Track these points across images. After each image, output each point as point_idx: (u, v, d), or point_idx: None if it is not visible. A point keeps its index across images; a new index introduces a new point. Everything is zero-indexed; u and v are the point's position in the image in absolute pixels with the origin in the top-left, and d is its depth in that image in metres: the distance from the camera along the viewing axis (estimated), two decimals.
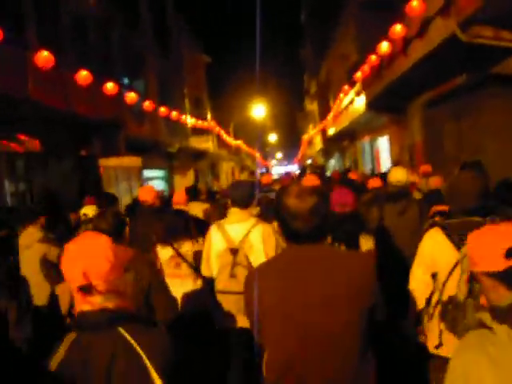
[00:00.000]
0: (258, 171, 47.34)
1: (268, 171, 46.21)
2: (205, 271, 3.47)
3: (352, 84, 13.40)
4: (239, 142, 28.97)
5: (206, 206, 6.13)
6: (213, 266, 3.39)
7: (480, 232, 1.44)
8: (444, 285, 2.36)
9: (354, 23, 13.85)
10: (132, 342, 1.46)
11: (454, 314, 2.01)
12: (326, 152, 29.62)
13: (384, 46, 8.33)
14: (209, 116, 20.17)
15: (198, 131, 17.96)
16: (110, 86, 8.08)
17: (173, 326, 2.64)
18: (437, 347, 2.42)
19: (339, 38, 17.74)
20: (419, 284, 2.57)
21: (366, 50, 10.33)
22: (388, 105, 11.17)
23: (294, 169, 46.09)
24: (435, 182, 5.48)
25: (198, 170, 23.02)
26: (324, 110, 22.75)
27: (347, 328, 1.73)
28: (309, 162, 41.64)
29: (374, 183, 6.12)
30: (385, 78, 9.72)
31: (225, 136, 22.36)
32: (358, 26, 13.36)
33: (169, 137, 15.56)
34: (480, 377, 1.22)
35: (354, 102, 14.21)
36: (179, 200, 5.36)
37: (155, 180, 16.81)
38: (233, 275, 3.25)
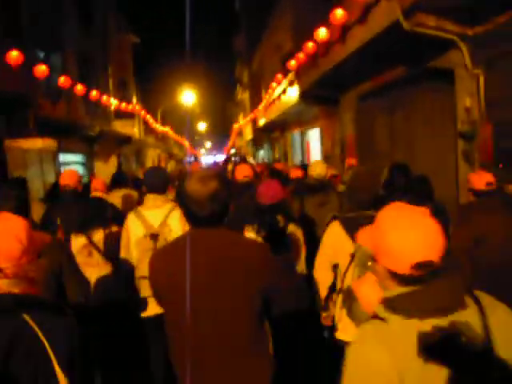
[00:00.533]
0: (187, 159, 46.41)
1: (197, 160, 45.39)
2: (123, 259, 3.46)
3: (285, 73, 13.01)
4: (167, 129, 27.83)
5: (127, 192, 5.94)
6: (132, 252, 3.39)
7: (396, 226, 1.32)
8: (344, 275, 2.56)
9: (291, 10, 13.44)
10: (35, 329, 1.41)
11: (350, 303, 2.08)
12: (256, 142, 29.32)
13: (322, 32, 7.93)
14: (134, 100, 18.90)
15: (123, 115, 16.75)
16: (13, 55, 7.00)
17: (88, 313, 2.73)
18: (338, 331, 2.66)
19: (274, 27, 17.30)
20: (321, 273, 2.79)
21: (302, 39, 9.96)
22: (321, 96, 10.88)
23: (223, 158, 45.47)
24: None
25: (122, 156, 21.73)
26: (255, 100, 22.33)
27: (236, 306, 1.84)
28: (233, 151, 41.24)
29: (296, 173, 6.30)
30: (320, 66, 9.37)
31: (151, 121, 21.25)
32: (295, 13, 12.98)
33: (89, 119, 14.31)
34: (379, 366, 1.23)
35: (286, 92, 13.84)
36: (97, 187, 5.13)
37: (73, 165, 15.50)
38: None
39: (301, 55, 9.79)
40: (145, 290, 3.29)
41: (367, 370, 1.26)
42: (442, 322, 1.24)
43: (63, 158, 14.21)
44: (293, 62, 10.62)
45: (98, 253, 3.65)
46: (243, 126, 30.26)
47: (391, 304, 1.29)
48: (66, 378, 1.42)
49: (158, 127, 25.11)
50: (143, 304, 3.36)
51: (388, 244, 1.31)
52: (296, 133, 17.28)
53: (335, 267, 2.68)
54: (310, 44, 8.86)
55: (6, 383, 1.37)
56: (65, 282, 2.65)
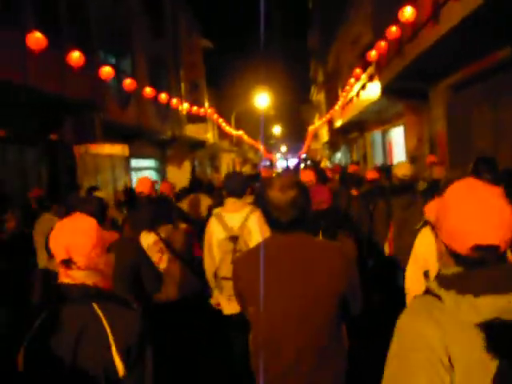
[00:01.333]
0: (262, 164, 46.06)
1: (272, 164, 45.05)
2: (207, 260, 3.61)
3: (364, 66, 11.90)
4: (241, 133, 27.49)
5: (193, 196, 6.22)
6: (215, 254, 3.55)
7: (461, 202, 1.25)
8: None
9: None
10: (102, 318, 1.56)
11: None
12: (332, 145, 28.15)
13: (407, 12, 6.83)
14: (207, 104, 18.51)
15: (195, 119, 16.44)
16: (74, 57, 6.63)
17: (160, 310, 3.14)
18: None
19: (350, 19, 16.17)
20: (413, 282, 2.71)
21: (383, 28, 8.91)
22: (407, 89, 9.66)
23: (296, 162, 44.72)
24: (438, 171, 5.32)
25: (196, 160, 21.60)
26: (331, 100, 21.25)
27: (318, 309, 1.94)
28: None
29: (372, 175, 6.26)
30: (406, 54, 8.22)
31: (224, 125, 20.89)
32: (374, 1, 11.83)
33: (160, 123, 14.08)
34: (427, 339, 1.19)
35: (365, 88, 12.70)
36: (164, 191, 5.49)
37: (145, 170, 15.41)
38: None
39: (382, 43, 8.71)
40: (227, 289, 3.42)
41: (415, 341, 1.22)
42: (499, 300, 1.15)
43: (135, 163, 14.11)
44: (373, 53, 9.55)
45: (168, 249, 3.81)
46: (318, 128, 29.23)
47: (446, 281, 1.24)
48: (124, 365, 1.52)
49: (232, 131, 24.80)
50: (227, 302, 3.51)
51: (450, 221, 1.25)
52: (376, 133, 16.01)
53: (426, 275, 2.61)
54: (394, 28, 7.77)
55: (75, 367, 1.51)
56: (143, 276, 2.96)
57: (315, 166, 11.95)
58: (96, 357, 1.51)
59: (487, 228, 1.18)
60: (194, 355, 4.04)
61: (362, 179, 7.09)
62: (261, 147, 43.31)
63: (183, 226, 4.16)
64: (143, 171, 14.94)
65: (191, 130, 18.17)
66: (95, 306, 1.57)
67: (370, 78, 11.73)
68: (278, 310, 1.94)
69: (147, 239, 3.79)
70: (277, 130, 55.45)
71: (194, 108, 14.01)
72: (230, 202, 3.60)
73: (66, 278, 1.62)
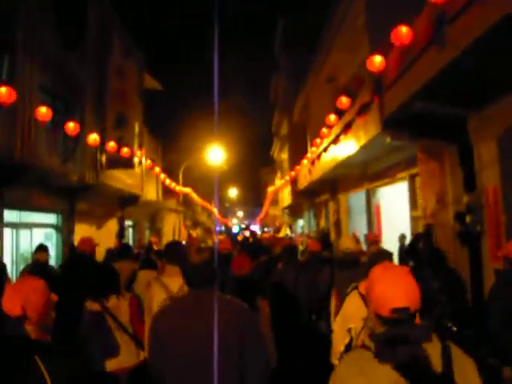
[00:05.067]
0: (217, 229, 41.92)
1: (228, 230, 41.40)
2: (147, 321, 3.73)
3: (352, 97, 8.36)
4: (188, 190, 23.46)
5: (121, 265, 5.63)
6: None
7: (381, 278, 1.78)
8: (358, 336, 2.93)
9: (364, 9, 8.95)
10: (43, 370, 1.78)
11: None
12: (295, 210, 24.48)
13: None
14: (139, 151, 14.22)
15: (118, 163, 12.30)
16: None
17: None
18: None
19: (327, 49, 12.92)
20: (339, 334, 3.37)
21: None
22: (430, 117, 6.01)
23: (255, 229, 41.77)
24: (375, 248, 5.38)
25: (125, 220, 17.17)
26: (297, 155, 17.73)
27: (219, 358, 2.24)
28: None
29: (313, 247, 6.33)
30: (449, 44, 4.59)
31: (163, 178, 16.84)
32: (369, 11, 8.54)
33: (59, 161, 9.83)
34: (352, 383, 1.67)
35: (351, 128, 9.10)
36: (83, 248, 5.28)
37: (38, 228, 10.88)
38: None
39: (404, 28, 5.13)
40: None
41: None
42: (410, 348, 1.62)
43: (14, 216, 9.68)
44: (377, 58, 5.99)
45: (112, 319, 3.87)
46: (279, 190, 25.64)
47: (374, 337, 1.71)
48: None
49: (178, 188, 20.68)
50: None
51: (374, 292, 1.76)
52: (356, 194, 12.35)
53: (349, 330, 3.05)
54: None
55: None
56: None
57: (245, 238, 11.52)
58: None
59: (400, 295, 1.69)
60: None
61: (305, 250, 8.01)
62: (215, 210, 39.40)
63: (127, 294, 4.24)
64: (32, 229, 10.46)
65: (117, 179, 13.95)
66: (37, 358, 1.79)
67: (362, 110, 8.13)
68: (186, 360, 2.27)
69: (92, 308, 3.87)
70: (233, 192, 51.85)
71: (111, 143, 9.93)
72: (170, 268, 3.94)
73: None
